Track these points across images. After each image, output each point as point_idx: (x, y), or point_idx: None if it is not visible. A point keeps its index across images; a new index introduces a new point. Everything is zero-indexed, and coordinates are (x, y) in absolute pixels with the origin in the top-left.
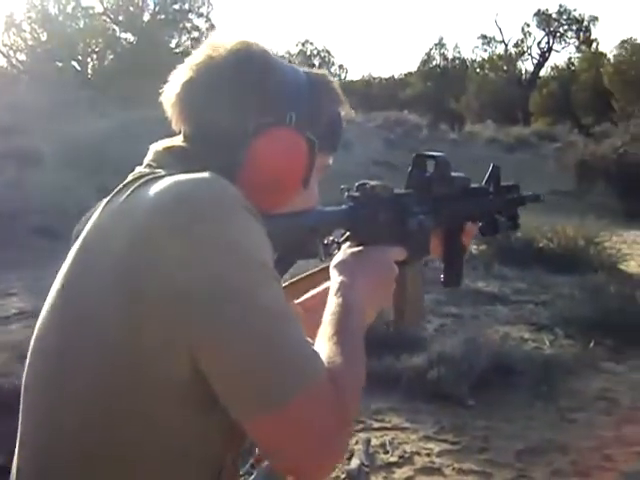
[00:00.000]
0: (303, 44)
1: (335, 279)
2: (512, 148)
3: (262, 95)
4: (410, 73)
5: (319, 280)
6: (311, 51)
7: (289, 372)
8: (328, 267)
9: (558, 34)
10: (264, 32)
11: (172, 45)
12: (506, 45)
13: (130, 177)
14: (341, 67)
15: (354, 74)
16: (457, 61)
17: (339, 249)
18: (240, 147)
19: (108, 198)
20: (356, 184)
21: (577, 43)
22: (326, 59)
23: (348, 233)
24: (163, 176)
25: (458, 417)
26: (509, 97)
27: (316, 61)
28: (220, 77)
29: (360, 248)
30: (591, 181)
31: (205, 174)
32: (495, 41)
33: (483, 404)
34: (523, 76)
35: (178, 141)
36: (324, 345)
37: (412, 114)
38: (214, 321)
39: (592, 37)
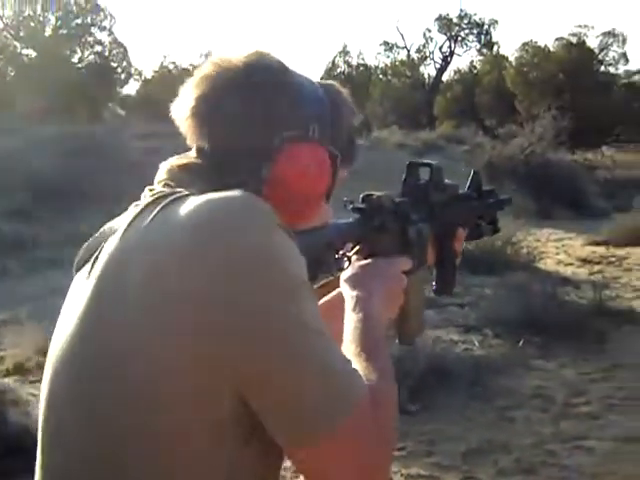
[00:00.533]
0: (206, 55)
1: (349, 293)
2: (421, 152)
3: (284, 108)
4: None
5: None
6: None
7: (339, 396)
8: (329, 283)
9: (459, 38)
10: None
11: (75, 60)
12: (408, 50)
13: (149, 198)
14: None
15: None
16: (361, 68)
17: (350, 263)
18: (264, 162)
19: (128, 221)
20: (361, 195)
21: (478, 47)
22: None
23: (358, 246)
24: (187, 195)
25: (401, 423)
26: (413, 102)
27: None
28: (240, 90)
29: (369, 260)
30: (500, 182)
31: (236, 192)
32: (397, 47)
33: (424, 408)
34: (426, 81)
35: (192, 158)
36: (355, 363)
37: None
38: (266, 352)
39: (493, 40)
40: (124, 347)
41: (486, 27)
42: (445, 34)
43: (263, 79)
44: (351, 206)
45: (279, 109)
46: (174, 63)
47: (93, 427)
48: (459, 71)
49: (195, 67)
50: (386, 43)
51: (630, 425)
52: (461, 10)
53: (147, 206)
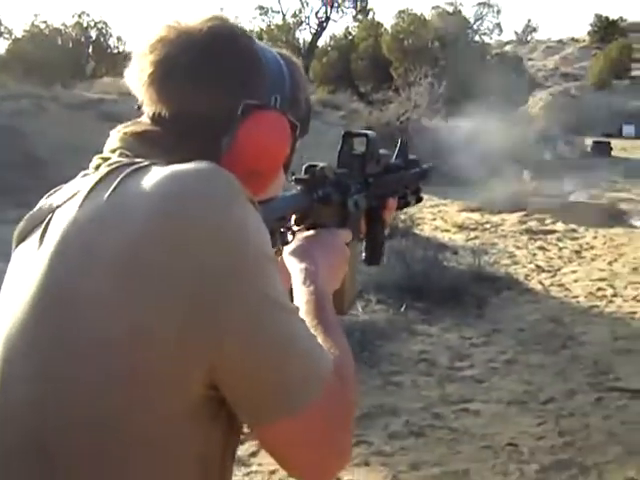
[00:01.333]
0: (79, 15)
1: (297, 266)
2: None
3: (248, 76)
4: None
5: None
6: (88, 23)
7: (311, 371)
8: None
9: (336, 4)
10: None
11: None
12: (284, 15)
13: (104, 168)
14: (119, 39)
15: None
16: None
17: (294, 236)
18: (226, 130)
19: (85, 191)
20: (304, 166)
21: (354, 13)
22: (104, 31)
23: (301, 218)
24: (148, 166)
25: None
26: None
27: (93, 33)
28: (203, 55)
29: (312, 232)
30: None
31: (202, 164)
32: (273, 11)
33: None
34: (302, 46)
35: (147, 125)
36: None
37: None
38: (234, 326)
39: (368, 7)
40: (94, 320)
41: None
42: None
43: (228, 44)
44: (293, 177)
45: (243, 76)
46: (45, 22)
47: (57, 409)
48: (335, 37)
49: (67, 27)
50: (261, 7)
51: (512, 388)
52: None
53: (106, 175)
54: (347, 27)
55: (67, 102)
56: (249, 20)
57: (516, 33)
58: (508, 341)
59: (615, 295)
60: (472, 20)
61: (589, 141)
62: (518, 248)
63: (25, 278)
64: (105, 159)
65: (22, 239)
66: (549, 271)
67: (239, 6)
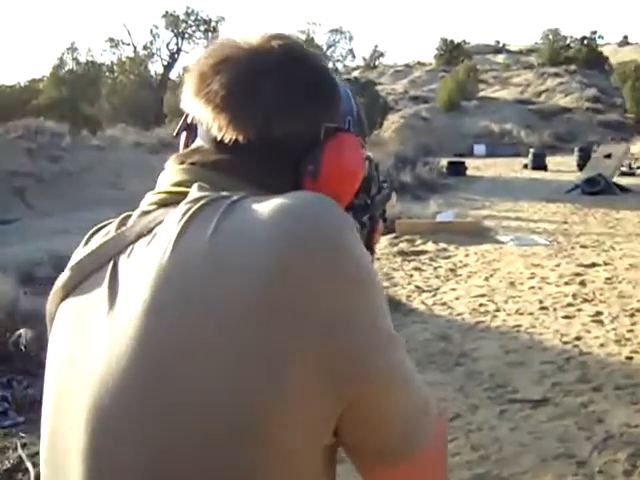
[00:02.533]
0: None
1: None
2: (157, 150)
3: (328, 97)
4: (38, 79)
5: None
6: None
7: (426, 410)
8: None
9: (187, 35)
10: None
11: None
12: (135, 47)
13: (187, 204)
14: None
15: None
16: (90, 65)
17: None
18: (308, 155)
19: (174, 235)
20: None
21: (206, 43)
22: None
23: None
24: (240, 200)
25: None
26: (141, 100)
27: None
28: (283, 77)
29: None
30: None
31: (306, 194)
32: (123, 43)
33: None
34: (154, 78)
35: (213, 153)
36: None
37: (49, 121)
38: (372, 369)
39: (219, 38)
40: (211, 380)
41: (213, 24)
42: (172, 31)
43: (304, 64)
44: None
45: (323, 97)
46: None
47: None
48: (187, 68)
49: None
50: (111, 39)
51: None
52: (188, 7)
53: (196, 212)
54: (194, 59)
55: None
56: (100, 53)
57: (364, 59)
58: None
59: (498, 310)
60: (325, 47)
61: (444, 161)
62: (394, 270)
63: (101, 341)
64: (171, 193)
65: (69, 292)
66: (429, 291)
67: (92, 38)
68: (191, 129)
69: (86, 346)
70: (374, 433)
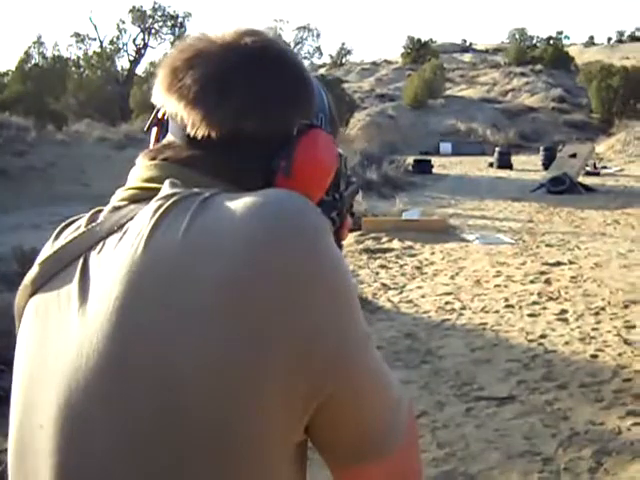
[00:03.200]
0: None
1: None
2: (123, 145)
3: (301, 93)
4: (3, 73)
5: None
6: None
7: (398, 407)
8: None
9: (153, 30)
10: None
11: None
12: (101, 42)
13: (159, 201)
14: None
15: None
16: (57, 60)
17: None
18: (281, 152)
19: (146, 232)
20: None
21: (172, 39)
22: None
23: None
24: (212, 196)
25: None
26: (107, 95)
27: None
28: (258, 72)
29: None
30: None
31: (280, 192)
32: (89, 38)
33: None
34: (120, 73)
35: (185, 149)
36: None
37: (14, 116)
38: (349, 371)
39: (186, 34)
40: (187, 378)
41: (180, 19)
42: (139, 26)
43: (279, 60)
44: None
45: (297, 93)
46: None
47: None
48: (154, 64)
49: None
50: (77, 34)
51: None
52: (155, 2)
53: (168, 209)
54: (165, 54)
55: None
56: (66, 47)
57: (331, 56)
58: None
59: (463, 308)
60: (292, 44)
61: (410, 159)
62: (360, 267)
63: (71, 338)
64: (142, 189)
65: (38, 288)
66: (395, 288)
67: (59, 33)
68: (162, 124)
69: (56, 343)
70: (348, 432)
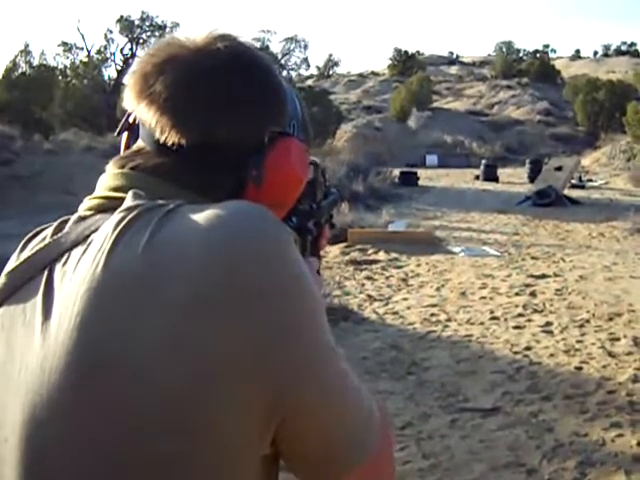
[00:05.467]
0: None
1: None
2: (110, 155)
3: (273, 100)
4: None
5: None
6: None
7: (370, 418)
8: None
9: (141, 40)
10: None
11: None
12: (89, 52)
13: (122, 213)
14: None
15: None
16: (43, 68)
17: None
18: (251, 161)
19: (107, 246)
20: None
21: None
22: None
23: None
24: (175, 208)
25: None
26: (94, 104)
27: None
28: (229, 78)
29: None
30: None
31: (242, 205)
32: (77, 48)
33: None
34: (107, 83)
35: (154, 157)
36: None
37: (0, 125)
38: (311, 383)
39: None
40: (147, 386)
41: (168, 30)
42: (127, 36)
43: (252, 65)
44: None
45: (269, 100)
46: None
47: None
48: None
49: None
50: (65, 43)
51: None
52: (143, 12)
53: (130, 223)
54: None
55: None
56: (53, 56)
57: (318, 68)
58: (354, 370)
59: (449, 320)
60: (280, 55)
61: (396, 171)
62: (346, 279)
63: (34, 354)
64: (109, 198)
65: (3, 299)
66: (381, 300)
67: (46, 41)
68: (133, 129)
69: (21, 358)
70: (315, 444)
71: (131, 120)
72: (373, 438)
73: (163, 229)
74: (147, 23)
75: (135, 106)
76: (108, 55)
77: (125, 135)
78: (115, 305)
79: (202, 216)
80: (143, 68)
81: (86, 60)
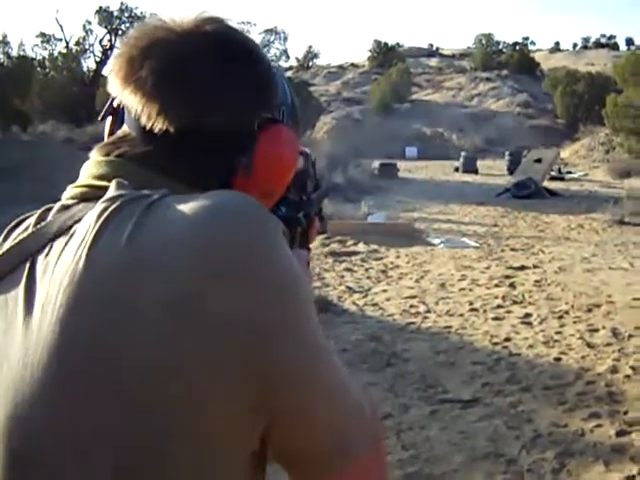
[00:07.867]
0: None
1: None
2: (89, 147)
3: (263, 85)
4: None
5: None
6: None
7: (361, 416)
8: None
9: (120, 31)
10: None
11: None
12: (67, 43)
13: (105, 203)
14: None
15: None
16: (22, 60)
17: None
18: (241, 149)
19: (90, 238)
20: None
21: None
22: None
23: None
24: (161, 199)
25: None
26: (73, 96)
27: None
28: (217, 63)
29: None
30: None
31: (231, 195)
32: (55, 39)
33: None
34: (86, 74)
35: (139, 144)
36: None
37: None
38: (297, 376)
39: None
40: (134, 381)
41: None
42: (105, 27)
43: (240, 49)
44: None
45: (259, 86)
46: None
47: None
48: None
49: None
50: (43, 34)
51: None
52: (122, 3)
53: (112, 213)
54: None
55: None
56: (31, 47)
57: (297, 59)
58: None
59: (428, 311)
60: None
61: (376, 163)
62: (326, 270)
63: (16, 348)
64: (92, 187)
65: None
66: (360, 292)
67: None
68: (117, 113)
69: (3, 352)
70: (304, 444)
71: (115, 104)
72: (363, 437)
73: (147, 221)
74: (126, 14)
75: (120, 91)
76: (87, 46)
77: (109, 120)
78: (96, 305)
79: (187, 207)
80: (128, 52)
81: (65, 51)
